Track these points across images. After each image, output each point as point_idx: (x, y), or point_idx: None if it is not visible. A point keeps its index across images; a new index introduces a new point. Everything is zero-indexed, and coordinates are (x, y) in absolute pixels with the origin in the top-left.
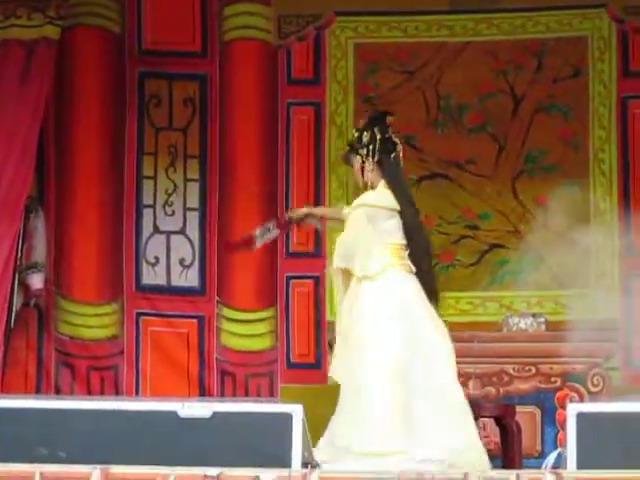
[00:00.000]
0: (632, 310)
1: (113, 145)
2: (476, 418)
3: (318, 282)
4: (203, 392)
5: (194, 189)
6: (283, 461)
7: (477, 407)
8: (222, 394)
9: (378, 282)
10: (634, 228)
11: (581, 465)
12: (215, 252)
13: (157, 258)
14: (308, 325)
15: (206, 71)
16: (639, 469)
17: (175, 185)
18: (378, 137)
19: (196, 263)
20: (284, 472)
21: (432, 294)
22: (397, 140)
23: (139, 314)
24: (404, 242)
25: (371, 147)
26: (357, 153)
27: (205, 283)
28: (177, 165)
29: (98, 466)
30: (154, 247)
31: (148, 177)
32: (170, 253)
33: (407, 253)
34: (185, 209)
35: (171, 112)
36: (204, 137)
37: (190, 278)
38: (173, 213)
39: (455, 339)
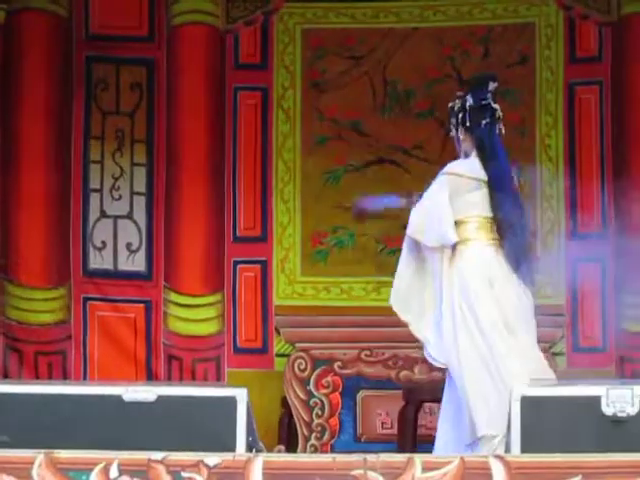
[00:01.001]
0: (578, 295)
1: (60, 129)
2: (422, 402)
3: (265, 266)
4: (150, 377)
5: (141, 173)
6: (228, 445)
7: (423, 392)
8: (169, 378)
9: (461, 259)
10: (580, 214)
11: (525, 449)
12: (162, 237)
13: (104, 242)
14: (255, 310)
15: (153, 56)
16: (582, 452)
17: (122, 169)
18: (468, 104)
19: (143, 248)
20: (228, 456)
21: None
22: (496, 106)
23: (86, 299)
24: (491, 215)
25: (461, 115)
26: (450, 123)
27: (152, 268)
28: (124, 150)
29: (42, 451)
30: (101, 231)
31: (95, 161)
32: (117, 238)
33: (495, 227)
34: (132, 193)
35: (118, 97)
36: (151, 122)
37: (137, 263)
38: (120, 197)
39: (402, 323)
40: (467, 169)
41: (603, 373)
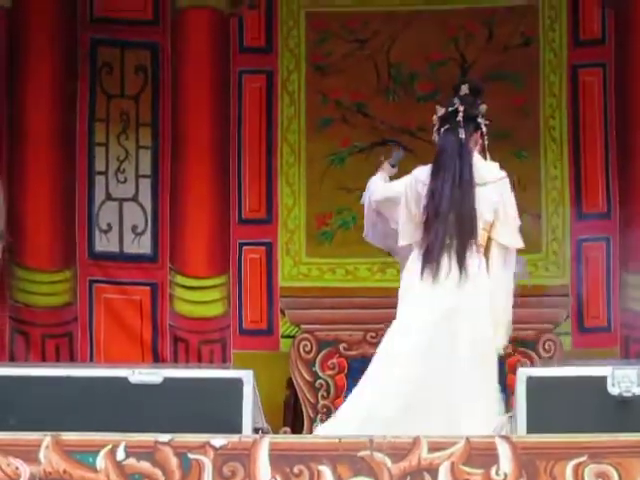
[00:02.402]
0: (583, 275)
1: (65, 112)
2: None
3: (270, 248)
4: (157, 359)
5: (146, 156)
6: (234, 427)
7: None
8: (175, 361)
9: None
10: (584, 194)
11: (531, 429)
12: (167, 219)
13: (110, 225)
14: (260, 291)
15: (158, 39)
16: (588, 433)
17: (127, 152)
18: (440, 113)
19: (148, 230)
20: (234, 438)
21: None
22: (460, 108)
23: (92, 281)
24: None
25: (436, 124)
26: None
27: (158, 250)
28: (129, 132)
29: (49, 433)
30: (106, 214)
31: (100, 144)
32: (123, 220)
33: None
34: (137, 176)
35: (123, 80)
36: (156, 105)
37: (143, 245)
38: (125, 180)
39: None
40: (424, 176)
41: (608, 353)
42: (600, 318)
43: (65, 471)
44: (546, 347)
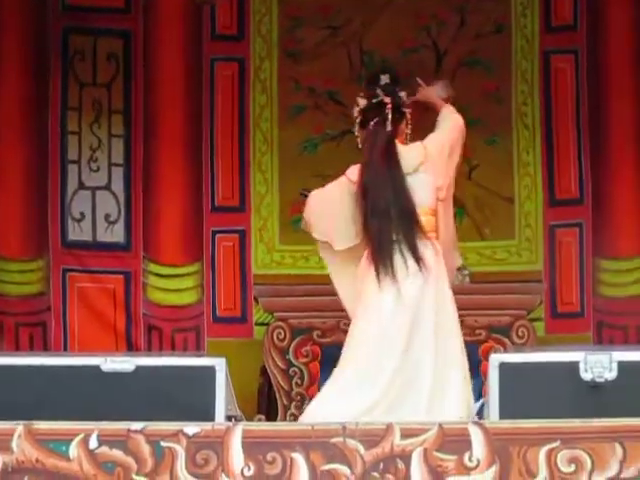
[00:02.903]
0: (556, 261)
1: (37, 100)
2: None
3: (244, 236)
4: (131, 347)
5: (119, 145)
6: (207, 414)
7: None
8: (149, 349)
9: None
10: (557, 180)
11: (503, 415)
12: (140, 208)
13: (83, 214)
14: (234, 279)
15: (130, 27)
16: (561, 418)
17: (100, 141)
18: (361, 105)
19: (122, 219)
20: (207, 425)
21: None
22: (387, 100)
23: (65, 270)
24: None
25: (357, 117)
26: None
27: (131, 239)
28: (102, 121)
29: (21, 422)
30: (79, 203)
31: (73, 133)
32: (96, 209)
33: None
34: (110, 165)
35: (95, 68)
36: (128, 93)
37: (116, 234)
38: (98, 169)
39: None
40: (355, 175)
41: (581, 339)
42: (573, 304)
43: (38, 460)
44: (519, 333)
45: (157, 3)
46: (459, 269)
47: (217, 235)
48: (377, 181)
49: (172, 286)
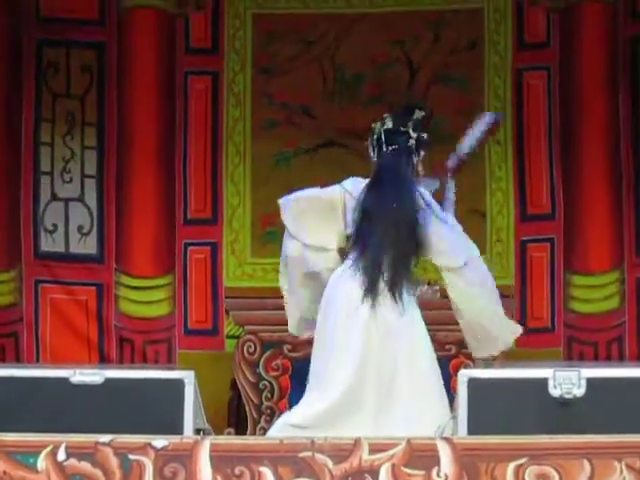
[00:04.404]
0: (527, 276)
1: (9, 112)
2: None
3: (216, 248)
4: (103, 359)
5: (92, 156)
6: (175, 428)
7: None
8: (121, 361)
9: None
10: (529, 195)
11: (472, 431)
12: (113, 220)
13: (55, 225)
14: (206, 291)
15: (104, 39)
16: (529, 434)
17: (73, 152)
18: (385, 127)
19: (94, 230)
20: (176, 438)
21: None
22: (413, 135)
23: (38, 281)
24: None
25: (376, 136)
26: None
27: (103, 250)
28: (75, 132)
29: None
30: (52, 214)
31: (45, 144)
32: (68, 220)
33: None
34: (83, 176)
35: (69, 80)
36: (102, 105)
37: (88, 245)
38: (71, 180)
39: None
40: (355, 189)
41: (552, 354)
42: (544, 319)
43: (5, 472)
44: None
45: (131, 16)
46: (429, 284)
47: (189, 247)
48: (381, 202)
49: (144, 298)
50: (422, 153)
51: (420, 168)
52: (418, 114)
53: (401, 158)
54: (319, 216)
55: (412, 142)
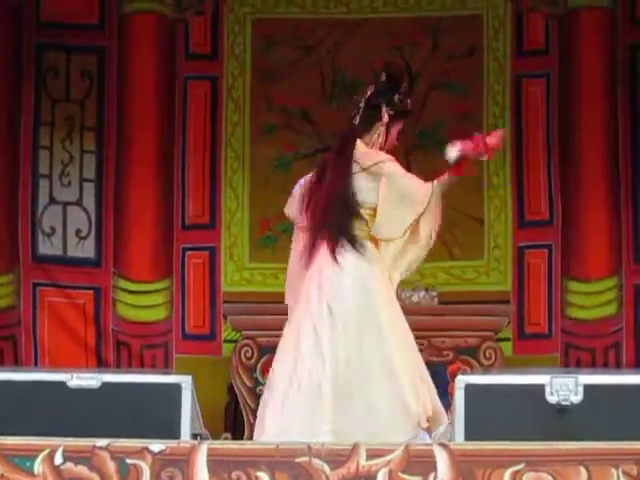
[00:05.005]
0: (524, 282)
1: (9, 115)
2: None
3: (214, 253)
4: (100, 363)
5: (90, 160)
6: (172, 432)
7: None
8: (118, 365)
9: None
10: (527, 201)
11: (469, 437)
12: (111, 224)
13: (53, 229)
14: (203, 296)
15: (104, 44)
16: (526, 441)
17: (71, 156)
18: (370, 92)
19: (92, 234)
20: (173, 443)
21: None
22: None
23: (36, 284)
24: None
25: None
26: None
27: (101, 254)
28: (74, 136)
29: None
30: (50, 218)
31: (44, 147)
32: (66, 224)
33: None
34: (81, 180)
35: (68, 84)
36: (101, 109)
37: (86, 249)
38: (69, 184)
39: None
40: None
41: (549, 360)
42: (541, 325)
43: (2, 475)
44: (487, 355)
45: (131, 21)
46: (427, 290)
47: (187, 252)
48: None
49: (141, 302)
50: (386, 113)
51: (384, 136)
52: (382, 77)
53: (356, 128)
54: None
55: (362, 102)
